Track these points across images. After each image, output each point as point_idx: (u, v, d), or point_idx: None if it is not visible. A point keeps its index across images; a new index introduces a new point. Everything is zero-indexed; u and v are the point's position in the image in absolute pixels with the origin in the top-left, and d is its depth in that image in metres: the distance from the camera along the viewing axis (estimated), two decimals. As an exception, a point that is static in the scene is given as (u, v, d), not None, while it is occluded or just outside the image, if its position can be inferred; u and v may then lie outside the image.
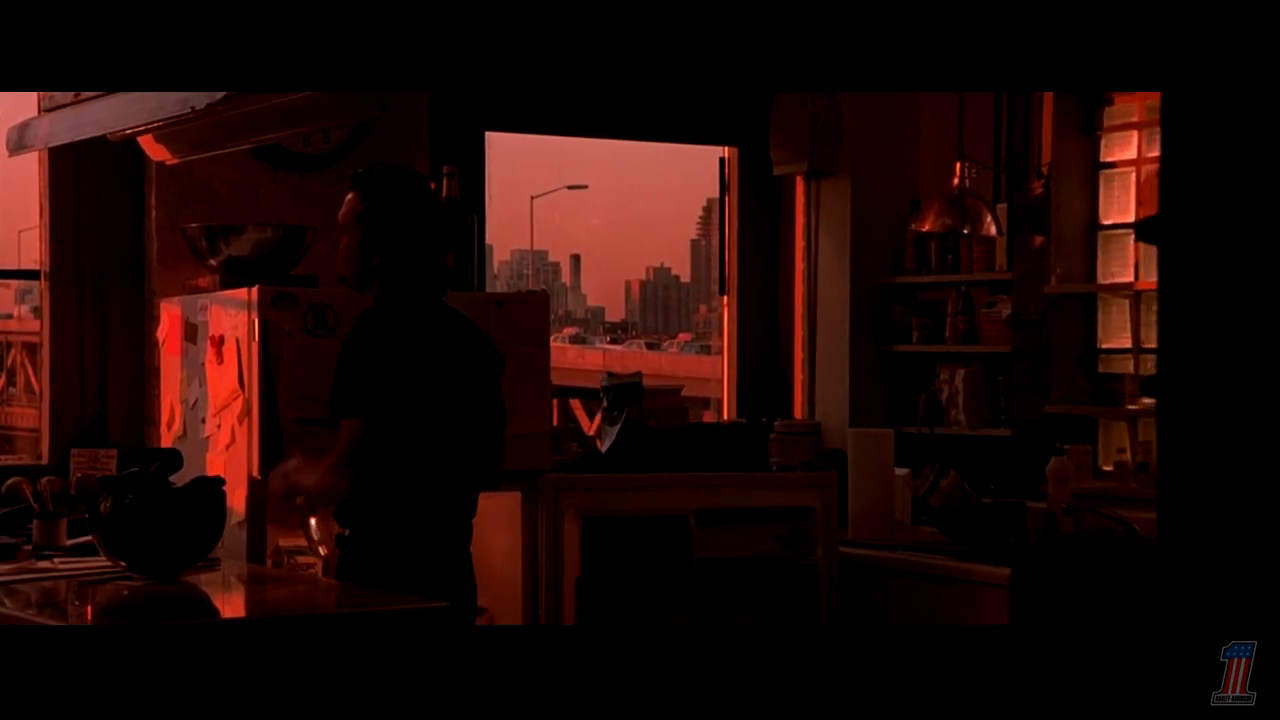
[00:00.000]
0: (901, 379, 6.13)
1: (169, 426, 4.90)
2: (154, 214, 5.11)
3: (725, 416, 6.50)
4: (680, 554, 4.64)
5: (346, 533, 3.77)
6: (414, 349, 3.69)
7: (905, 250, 6.09)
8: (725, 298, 6.53)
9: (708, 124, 6.32)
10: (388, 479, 3.69)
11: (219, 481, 3.80)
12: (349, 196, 3.83)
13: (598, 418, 5.77)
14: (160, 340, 4.99)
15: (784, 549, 4.79)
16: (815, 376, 6.29)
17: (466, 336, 3.84)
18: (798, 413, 6.37)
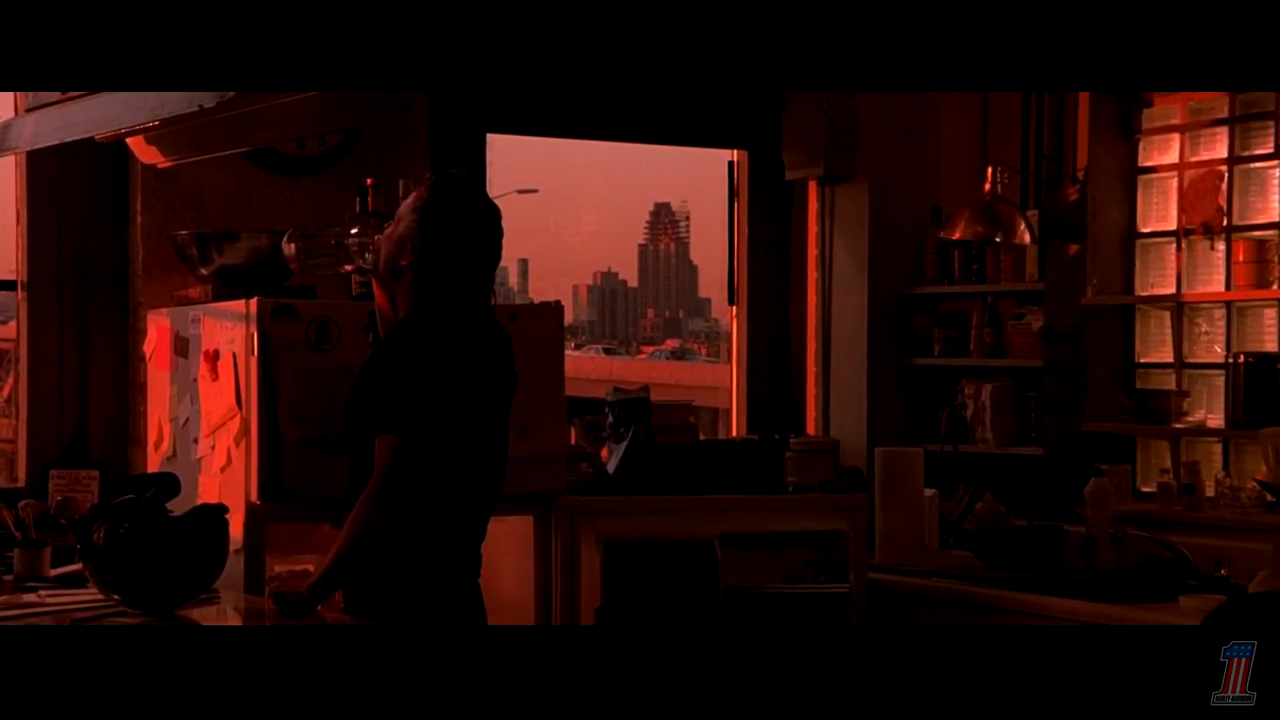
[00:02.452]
0: (921, 394, 5.93)
1: (156, 447, 4.69)
2: (139, 219, 4.91)
3: (734, 432, 6.30)
4: (706, 581, 4.43)
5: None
6: (457, 360, 3.46)
7: (926, 259, 5.89)
8: (734, 308, 6.33)
9: (716, 126, 6.13)
10: (440, 516, 3.50)
11: (221, 509, 3.58)
12: (420, 188, 3.62)
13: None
14: (147, 354, 4.78)
15: (815, 575, 4.59)
16: (830, 391, 6.09)
17: (503, 351, 3.62)
18: (810, 429, 6.17)
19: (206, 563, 3.56)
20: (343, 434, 3.67)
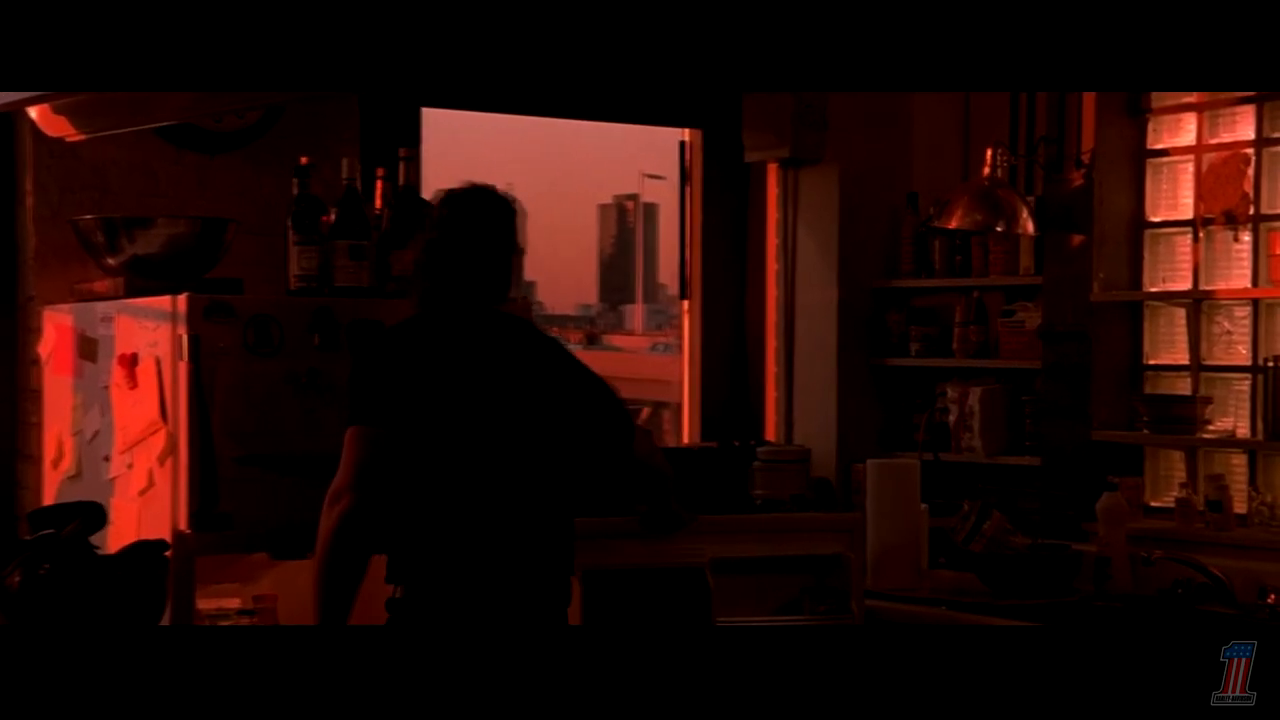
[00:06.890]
0: (896, 397, 5.61)
1: (55, 464, 4.27)
2: (30, 201, 4.52)
3: (686, 438, 5.94)
4: (698, 613, 4.07)
5: (398, 593, 3.20)
6: (432, 357, 3.34)
7: (901, 249, 5.57)
8: (686, 302, 5.97)
9: (668, 103, 5.77)
10: (439, 520, 3.25)
11: (160, 546, 3.20)
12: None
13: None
14: (43, 357, 4.35)
15: (814, 603, 4.24)
16: (793, 394, 5.75)
17: (512, 349, 3.42)
18: (770, 434, 5.83)
19: (143, 609, 3.15)
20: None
